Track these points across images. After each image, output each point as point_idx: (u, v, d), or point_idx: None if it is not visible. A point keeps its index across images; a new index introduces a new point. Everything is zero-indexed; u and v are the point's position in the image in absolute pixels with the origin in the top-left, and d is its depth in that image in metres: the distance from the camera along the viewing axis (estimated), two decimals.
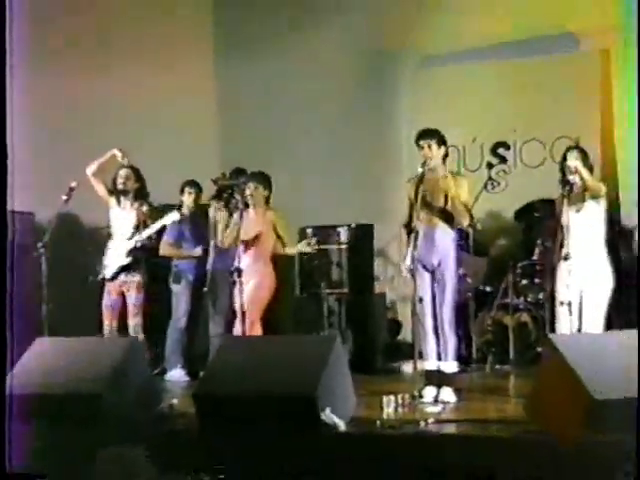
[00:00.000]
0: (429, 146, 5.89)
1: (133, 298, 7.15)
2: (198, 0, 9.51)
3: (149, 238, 7.17)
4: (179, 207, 7.69)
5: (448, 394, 5.75)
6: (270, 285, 7.03)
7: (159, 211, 7.37)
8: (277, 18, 9.20)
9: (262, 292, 6.97)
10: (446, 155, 6.01)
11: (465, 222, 5.94)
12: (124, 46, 8.95)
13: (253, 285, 6.90)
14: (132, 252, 7.12)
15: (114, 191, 7.26)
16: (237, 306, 6.70)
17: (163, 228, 7.36)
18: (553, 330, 5.99)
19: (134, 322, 7.14)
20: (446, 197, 5.85)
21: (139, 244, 7.11)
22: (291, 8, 9.19)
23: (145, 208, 7.23)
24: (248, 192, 7.08)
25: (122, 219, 7.25)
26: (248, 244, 6.94)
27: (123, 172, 7.25)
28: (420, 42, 8.98)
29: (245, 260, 6.83)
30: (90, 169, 7.17)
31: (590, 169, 6.00)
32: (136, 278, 7.16)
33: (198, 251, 7.59)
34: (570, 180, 5.97)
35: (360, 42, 9.07)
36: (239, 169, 7.69)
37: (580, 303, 5.89)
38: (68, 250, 7.70)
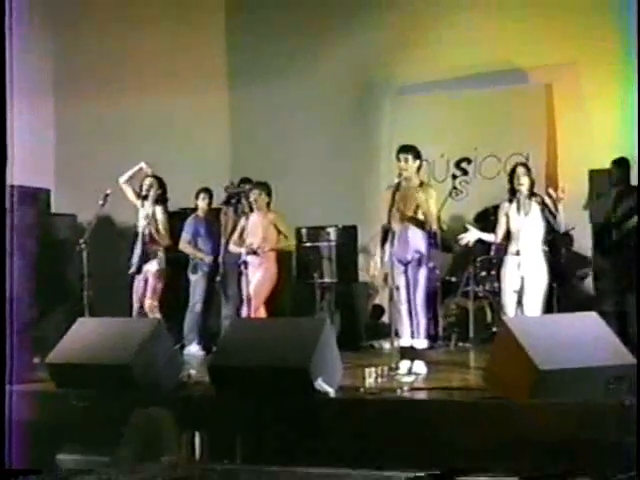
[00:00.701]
0: (406, 160, 5.78)
1: (151, 283, 7.17)
2: (213, 27, 9.48)
3: (157, 232, 7.16)
4: (193, 210, 7.72)
5: (420, 366, 5.73)
6: (272, 277, 7.00)
7: (169, 214, 7.40)
8: (283, 47, 9.21)
9: (265, 283, 6.94)
10: (419, 167, 5.89)
11: (433, 227, 5.87)
12: (152, 71, 8.96)
13: (258, 277, 6.88)
14: (144, 244, 7.12)
15: (140, 195, 7.29)
16: (244, 293, 6.69)
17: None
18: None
19: (148, 303, 7.14)
20: (417, 206, 5.78)
21: (144, 238, 7.11)
22: (294, 38, 9.20)
23: (158, 210, 7.22)
24: (252, 198, 7.06)
25: (142, 219, 7.25)
26: (253, 242, 6.92)
27: (148, 180, 7.30)
28: (399, 74, 8.99)
29: (251, 255, 6.81)
30: (122, 178, 7.25)
31: (532, 182, 6.00)
32: (154, 267, 7.17)
33: (209, 258, 7.53)
34: (517, 189, 5.98)
35: (350, 73, 9.06)
36: (245, 178, 7.64)
37: (522, 291, 5.89)
38: (104, 246, 7.70)
